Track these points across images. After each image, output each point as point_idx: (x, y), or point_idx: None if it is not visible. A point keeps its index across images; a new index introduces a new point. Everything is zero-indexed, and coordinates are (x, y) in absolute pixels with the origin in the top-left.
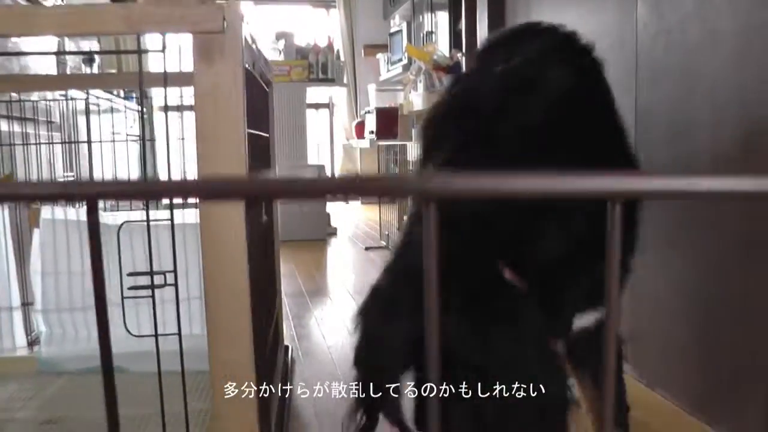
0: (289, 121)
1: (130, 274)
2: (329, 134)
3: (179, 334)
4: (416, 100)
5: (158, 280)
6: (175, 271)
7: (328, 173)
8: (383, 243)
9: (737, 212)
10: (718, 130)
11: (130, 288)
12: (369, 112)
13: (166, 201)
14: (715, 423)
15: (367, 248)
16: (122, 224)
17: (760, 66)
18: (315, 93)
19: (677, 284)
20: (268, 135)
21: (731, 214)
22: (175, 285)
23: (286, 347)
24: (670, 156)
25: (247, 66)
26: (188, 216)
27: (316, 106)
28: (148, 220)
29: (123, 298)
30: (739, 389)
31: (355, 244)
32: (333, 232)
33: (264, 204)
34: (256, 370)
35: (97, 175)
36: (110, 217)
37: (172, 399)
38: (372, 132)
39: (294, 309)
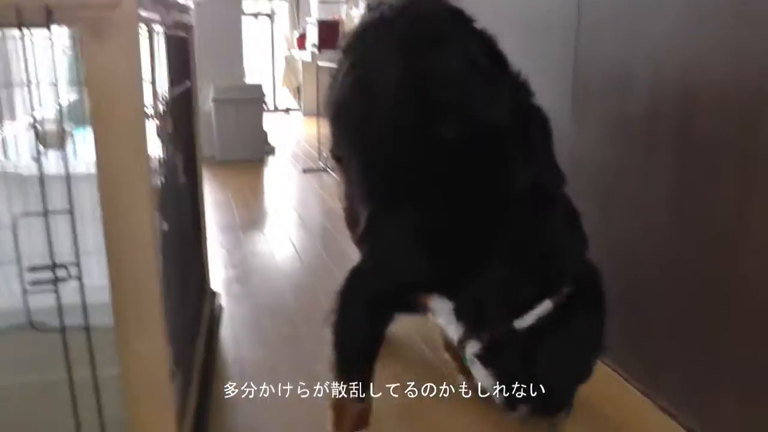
0: (225, 34)
1: (32, 269)
2: (270, 45)
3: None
4: (357, 17)
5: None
6: (78, 264)
7: (267, 91)
8: (322, 165)
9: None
10: (656, 90)
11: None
12: (311, 23)
13: None
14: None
15: (305, 170)
16: None
17: (701, 35)
18: (255, 2)
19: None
20: (189, 84)
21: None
22: (80, 277)
23: (213, 293)
24: (605, 107)
25: (154, 25)
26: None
27: (256, 15)
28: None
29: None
30: (655, 345)
31: (295, 166)
32: (271, 151)
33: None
34: (169, 332)
35: None
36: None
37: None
38: (314, 45)
39: (226, 245)
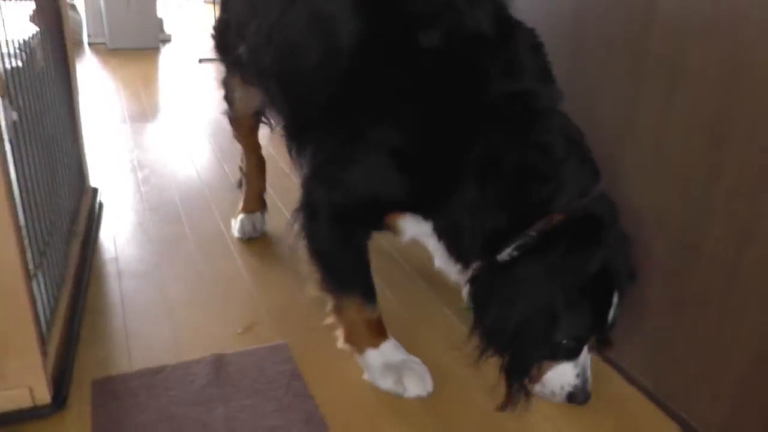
0: None
1: None
2: None
3: None
4: None
5: None
6: None
7: None
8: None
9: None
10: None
11: None
12: None
13: None
14: None
15: (200, 60)
16: None
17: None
18: None
19: None
20: None
21: None
22: None
23: (94, 190)
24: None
25: None
26: None
27: None
28: None
29: None
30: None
31: (191, 55)
32: (167, 39)
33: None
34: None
35: None
36: None
37: None
38: None
39: (111, 138)
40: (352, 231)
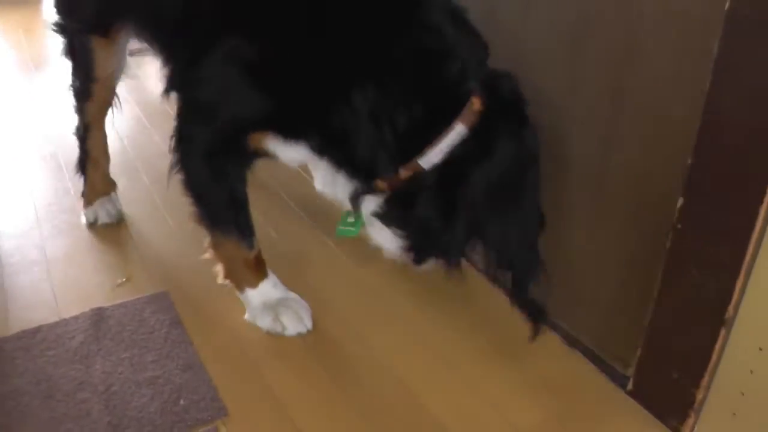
0: None
1: None
2: None
3: None
4: None
5: None
6: None
7: None
8: None
9: None
10: None
11: None
12: None
13: None
14: None
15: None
16: None
17: None
18: None
19: None
20: None
21: None
22: None
23: None
24: None
25: None
26: None
27: None
28: None
29: None
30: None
31: None
32: None
33: None
34: None
35: None
36: None
37: None
38: None
39: None
40: (224, 163)
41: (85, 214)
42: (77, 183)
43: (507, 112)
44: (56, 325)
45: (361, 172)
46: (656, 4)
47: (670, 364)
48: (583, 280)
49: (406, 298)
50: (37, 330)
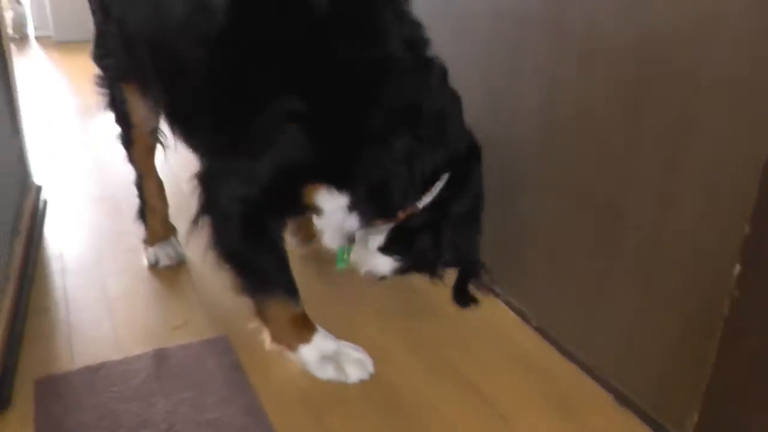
0: None
1: None
2: None
3: None
4: None
5: None
6: None
7: None
8: None
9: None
10: None
11: None
12: None
13: None
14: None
15: None
16: None
17: None
18: None
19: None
20: None
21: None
22: None
23: (37, 187)
24: None
25: None
26: None
27: None
28: None
29: None
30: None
31: None
32: None
33: None
34: None
35: None
36: None
37: None
38: None
39: (56, 135)
40: (268, 224)
41: (147, 257)
42: (137, 224)
43: (473, 155)
44: (120, 362)
45: (388, 211)
46: (713, 73)
47: (727, 431)
48: (639, 340)
49: (460, 351)
50: (101, 366)
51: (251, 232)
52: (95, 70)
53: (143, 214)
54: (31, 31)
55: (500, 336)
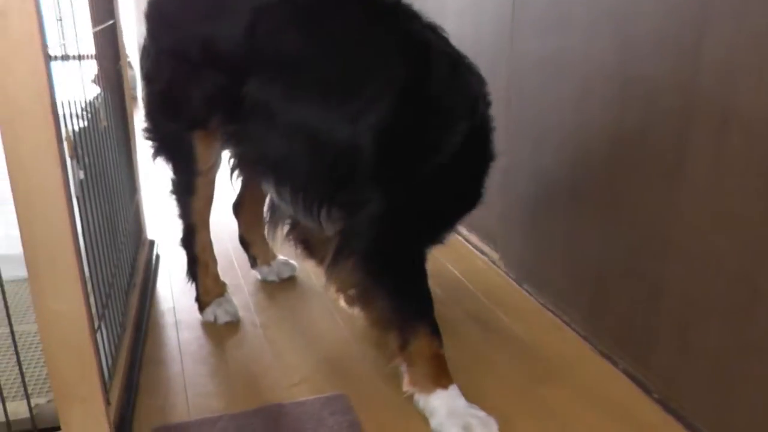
0: None
1: None
2: None
3: None
4: None
5: None
6: None
7: None
8: None
9: (602, 103)
10: (590, 29)
11: None
12: None
13: None
14: (574, 322)
15: None
16: None
17: None
18: None
19: (546, 178)
20: (113, 21)
21: (597, 106)
22: None
23: (151, 242)
24: (540, 47)
25: None
26: None
27: None
28: None
29: None
30: (602, 288)
31: None
32: None
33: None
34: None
35: None
36: None
37: None
38: None
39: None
40: (424, 256)
41: (203, 316)
42: (248, 278)
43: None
44: (237, 416)
45: None
46: None
47: None
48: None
49: (591, 424)
50: (219, 419)
51: (410, 265)
52: (143, 124)
53: (194, 273)
54: (139, 93)
55: (619, 406)
